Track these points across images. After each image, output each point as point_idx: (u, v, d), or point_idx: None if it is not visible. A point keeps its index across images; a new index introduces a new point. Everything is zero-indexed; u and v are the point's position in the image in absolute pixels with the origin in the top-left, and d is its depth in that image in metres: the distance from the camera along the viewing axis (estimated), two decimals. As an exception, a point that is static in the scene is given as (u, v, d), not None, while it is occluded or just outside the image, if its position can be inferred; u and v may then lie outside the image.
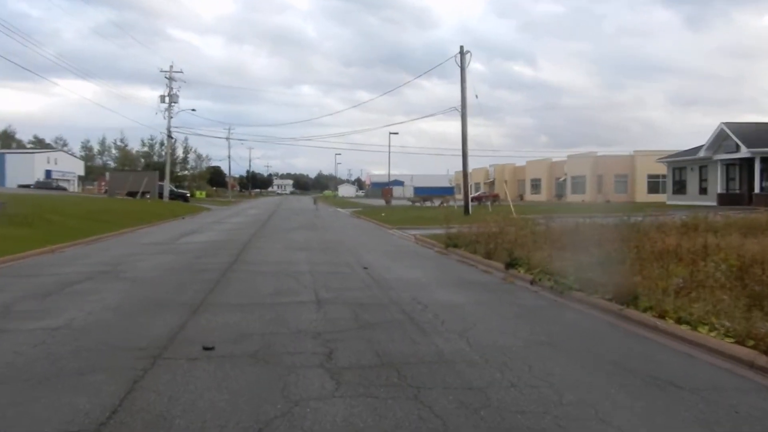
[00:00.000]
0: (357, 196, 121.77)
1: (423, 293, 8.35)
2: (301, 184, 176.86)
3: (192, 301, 7.67)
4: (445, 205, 43.99)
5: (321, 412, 3.99)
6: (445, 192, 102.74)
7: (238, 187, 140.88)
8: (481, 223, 14.32)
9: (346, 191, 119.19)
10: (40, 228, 17.46)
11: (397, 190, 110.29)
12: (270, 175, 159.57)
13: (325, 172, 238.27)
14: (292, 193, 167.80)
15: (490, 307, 7.41)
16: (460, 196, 63.16)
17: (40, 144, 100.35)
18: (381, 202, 57.36)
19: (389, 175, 64.20)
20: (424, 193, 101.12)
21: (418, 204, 47.51)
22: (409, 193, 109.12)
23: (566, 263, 9.35)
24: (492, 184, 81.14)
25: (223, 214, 36.89)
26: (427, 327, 6.25)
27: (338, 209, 49.85)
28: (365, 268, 11.02)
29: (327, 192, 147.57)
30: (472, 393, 4.34)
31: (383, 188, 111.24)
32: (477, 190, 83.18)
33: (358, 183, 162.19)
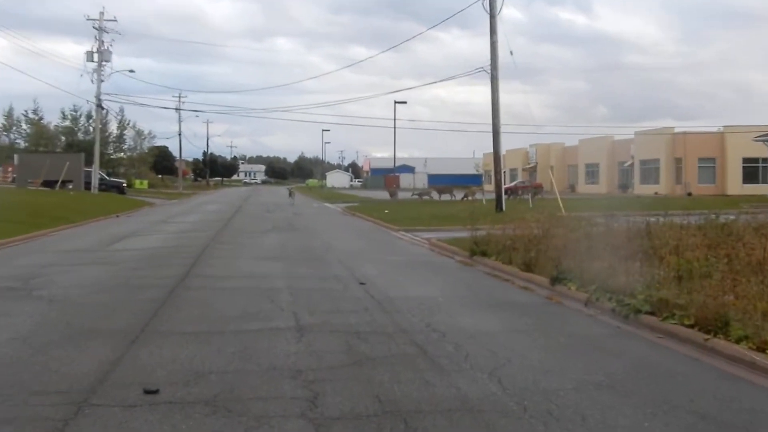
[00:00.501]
0: (352, 187, 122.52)
1: (440, 317, 8.38)
2: (277, 171, 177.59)
3: (129, 328, 7.71)
4: (470, 198, 44.14)
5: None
6: (470, 181, 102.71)
7: (191, 175, 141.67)
8: (519, 222, 14.33)
9: (337, 180, 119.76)
10: None
11: (405, 179, 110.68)
12: (235, 158, 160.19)
13: (309, 155, 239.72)
14: (264, 182, 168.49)
15: (530, 337, 7.43)
16: (490, 187, 63.28)
17: None
18: (384, 194, 57.43)
19: (395, 158, 64.07)
20: (442, 182, 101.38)
21: (427, 198, 47.63)
22: (422, 182, 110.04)
23: (633, 278, 9.35)
24: (533, 170, 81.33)
25: (173, 211, 37.07)
26: (445, 363, 6.26)
27: (326, 204, 50.06)
28: (362, 283, 11.06)
29: (311, 181, 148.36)
30: (507, 455, 4.38)
31: (387, 176, 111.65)
32: (513, 178, 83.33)
33: (354, 169, 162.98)
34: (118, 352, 6.62)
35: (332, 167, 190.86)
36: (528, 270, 11.96)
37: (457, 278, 12.00)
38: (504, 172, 41.34)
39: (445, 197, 48.23)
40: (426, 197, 47.97)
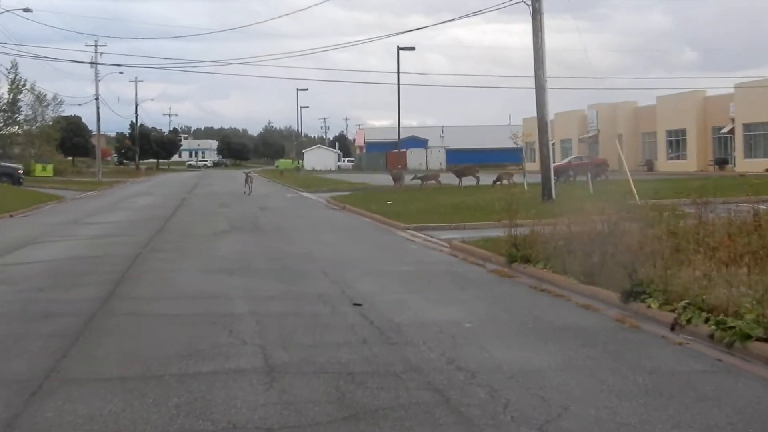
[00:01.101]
0: (340, 169, 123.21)
1: (468, 351, 8.40)
2: (235, 149, 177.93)
3: (29, 373, 7.70)
4: (505, 182, 44.19)
5: None
6: (506, 158, 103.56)
7: (115, 156, 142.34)
8: (576, 215, 14.31)
9: (318, 159, 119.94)
10: None
11: (415, 156, 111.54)
12: (176, 132, 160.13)
13: (279, 126, 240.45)
14: (217, 164, 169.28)
15: (596, 376, 7.41)
16: (534, 166, 63.18)
17: None
18: (385, 178, 57.47)
19: (399, 128, 63.62)
20: (465, 161, 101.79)
21: (433, 183, 47.71)
22: (438, 160, 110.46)
23: (738, 290, 9.32)
24: (594, 141, 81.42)
25: (89, 208, 37.18)
26: (476, 415, 6.25)
27: (304, 194, 50.32)
28: (357, 304, 11.10)
29: (283, 162, 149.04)
30: None
31: (389, 153, 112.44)
32: (566, 154, 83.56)
33: (342, 145, 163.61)
34: (12, 409, 6.58)
35: (312, 142, 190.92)
36: (589, 281, 11.96)
37: (491, 295, 11.99)
38: (552, 144, 41.11)
39: (468, 181, 48.35)
40: (431, 182, 47.94)
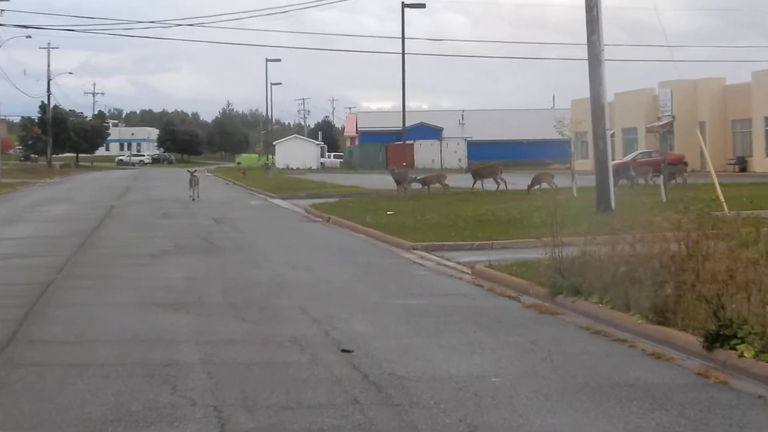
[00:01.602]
0: (323, 166, 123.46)
1: (496, 415, 8.41)
2: (182, 140, 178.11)
3: None
4: (544, 186, 44.17)
5: None
6: (548, 153, 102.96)
7: (20, 148, 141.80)
8: (643, 231, 14.28)
9: (294, 154, 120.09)
10: None
11: (425, 150, 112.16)
12: (102, 116, 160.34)
13: (242, 109, 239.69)
14: (157, 160, 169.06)
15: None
16: (586, 164, 62.89)
17: None
18: (384, 179, 57.43)
19: (404, 111, 63.39)
20: (493, 156, 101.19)
21: (438, 187, 47.70)
22: (457, 154, 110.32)
23: None
24: (667, 131, 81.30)
25: (-16, 218, 36.96)
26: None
27: (276, 200, 50.41)
28: (347, 350, 11.11)
29: (247, 157, 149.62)
30: None
31: (389, 146, 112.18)
32: (629, 148, 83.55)
33: (326, 134, 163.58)
34: None
35: (286, 131, 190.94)
36: (661, 320, 11.95)
37: (528, 339, 11.96)
38: (612, 135, 40.77)
39: (488, 184, 48.38)
40: (436, 186, 47.92)
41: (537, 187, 44.41)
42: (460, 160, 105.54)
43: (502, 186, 47.51)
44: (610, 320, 12.82)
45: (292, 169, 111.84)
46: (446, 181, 48.53)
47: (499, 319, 13.53)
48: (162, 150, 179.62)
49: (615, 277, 13.67)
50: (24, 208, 43.65)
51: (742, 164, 74.88)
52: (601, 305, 13.44)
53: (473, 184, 49.14)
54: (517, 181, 48.58)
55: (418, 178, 49.86)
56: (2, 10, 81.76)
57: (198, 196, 48.37)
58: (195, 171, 52.98)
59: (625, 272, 13.51)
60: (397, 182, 47.45)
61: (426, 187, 47.87)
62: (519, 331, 12.57)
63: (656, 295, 12.35)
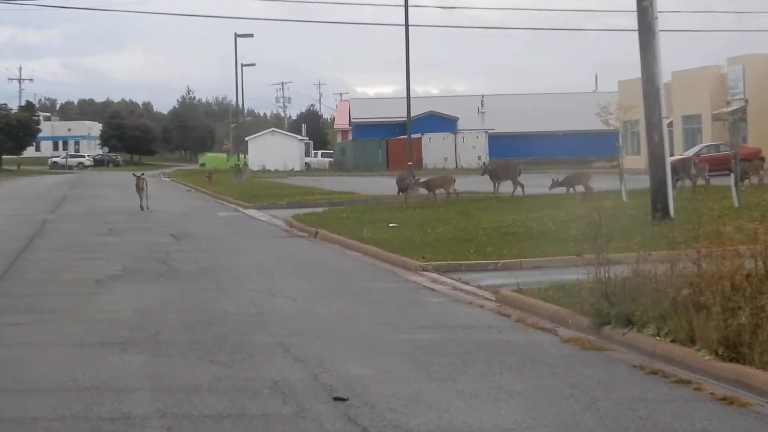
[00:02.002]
0: (310, 168, 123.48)
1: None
2: (131, 137, 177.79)
3: None
4: (579, 189, 44.15)
5: None
6: (590, 148, 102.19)
7: None
8: (709, 245, 14.27)
9: (273, 153, 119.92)
10: None
11: (436, 146, 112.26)
12: (30, 107, 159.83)
13: (206, 98, 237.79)
14: (101, 162, 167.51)
15: None
16: (637, 161, 62.45)
17: None
18: (384, 183, 57.29)
19: (409, 99, 63.23)
20: (521, 153, 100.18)
21: (442, 193, 47.57)
22: (476, 149, 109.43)
23: None
24: (739, 117, 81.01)
25: None
26: None
27: (249, 211, 50.30)
28: (340, 398, 11.16)
29: (211, 157, 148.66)
30: None
31: (391, 141, 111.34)
32: (691, 140, 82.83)
33: (311, 127, 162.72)
34: None
35: (262, 123, 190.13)
36: (734, 356, 11.94)
37: (568, 382, 11.96)
38: (669, 124, 40.33)
39: (504, 188, 48.38)
40: (440, 192, 47.80)
41: (571, 189, 44.38)
42: (479, 157, 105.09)
43: (518, 191, 47.26)
44: (669, 356, 12.80)
45: (269, 171, 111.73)
46: (454, 186, 48.00)
47: (531, 357, 13.52)
48: (106, 149, 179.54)
49: (676, 303, 13.63)
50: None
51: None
52: (658, 338, 13.41)
53: (495, 189, 49.00)
54: (540, 183, 48.26)
55: (422, 180, 49.49)
56: None
57: (147, 206, 48.62)
58: (142, 174, 52.99)
59: (689, 296, 13.46)
60: (400, 187, 47.10)
61: (431, 192, 47.65)
62: (556, 372, 12.56)
63: (727, 325, 12.30)
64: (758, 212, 16.27)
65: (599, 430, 9.90)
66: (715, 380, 11.66)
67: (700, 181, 45.79)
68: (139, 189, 49.56)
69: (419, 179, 50.30)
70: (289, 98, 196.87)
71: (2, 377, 12.77)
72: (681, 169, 44.40)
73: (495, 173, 50.57)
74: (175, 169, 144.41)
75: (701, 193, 40.92)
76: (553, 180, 46.50)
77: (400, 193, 46.45)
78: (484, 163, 67.82)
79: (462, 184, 51.39)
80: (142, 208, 48.16)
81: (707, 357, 12.24)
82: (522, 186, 47.67)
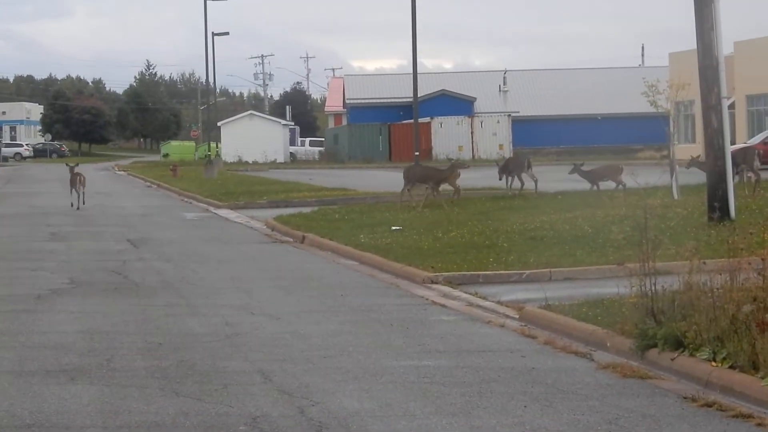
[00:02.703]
0: (296, 159, 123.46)
1: None
2: (79, 121, 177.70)
3: None
4: (619, 186, 44.21)
5: None
6: (637, 134, 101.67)
7: None
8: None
9: (252, 140, 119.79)
10: None
11: (449, 131, 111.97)
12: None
13: (170, 75, 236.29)
14: (42, 152, 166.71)
15: None
16: (692, 149, 62.37)
17: None
18: (388, 177, 57.26)
19: (416, 75, 63.09)
20: (542, 141, 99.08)
21: (433, 195, 47.34)
22: (497, 136, 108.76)
23: None
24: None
25: None
26: None
27: (222, 211, 50.33)
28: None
29: (175, 146, 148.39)
30: None
31: (394, 125, 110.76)
32: (761, 125, 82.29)
33: (300, 110, 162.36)
34: None
35: (238, 106, 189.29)
36: (806, 386, 11.91)
37: (605, 417, 12.00)
38: (731, 104, 40.00)
39: (514, 185, 48.36)
40: (440, 191, 47.66)
41: (594, 187, 44.33)
42: (501, 146, 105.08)
43: (530, 185, 47.11)
44: (727, 386, 12.79)
45: (246, 163, 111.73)
46: (458, 182, 47.59)
47: (562, 387, 13.56)
48: (49, 137, 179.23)
49: (736, 322, 13.64)
50: None
51: None
52: (714, 364, 13.41)
53: (509, 184, 48.49)
54: (569, 181, 48.16)
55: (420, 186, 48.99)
56: None
57: (83, 203, 49.10)
58: (76, 166, 53.14)
59: (751, 314, 13.50)
60: (408, 180, 46.81)
61: (433, 192, 47.27)
62: (591, 405, 12.60)
63: None
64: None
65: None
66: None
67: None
68: (75, 183, 49.73)
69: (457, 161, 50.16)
70: (270, 75, 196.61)
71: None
72: (742, 160, 44.36)
73: (506, 167, 50.19)
74: (132, 160, 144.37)
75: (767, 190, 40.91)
76: (575, 165, 46.35)
77: (406, 187, 46.31)
78: (520, 149, 67.54)
79: (480, 179, 51.45)
80: (72, 206, 48.89)
81: (774, 386, 12.26)
82: (532, 178, 47.46)
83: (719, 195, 29.59)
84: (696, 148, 44.62)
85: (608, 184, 44.83)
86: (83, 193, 49.97)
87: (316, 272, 26.85)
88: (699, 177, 32.62)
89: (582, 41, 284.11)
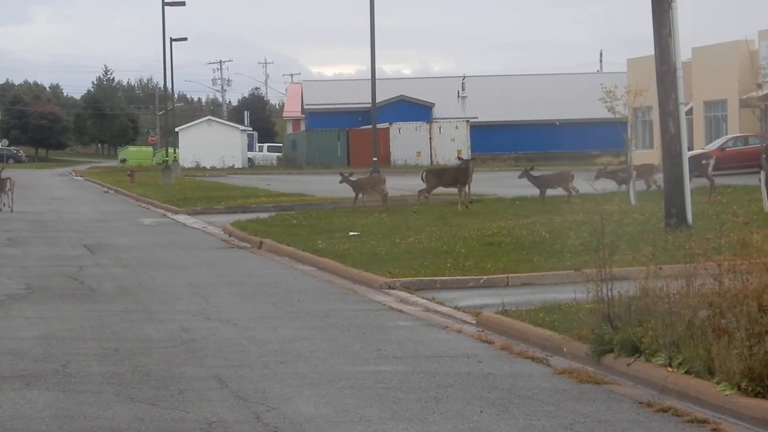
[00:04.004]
0: (254, 164, 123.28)
1: None
2: (35, 127, 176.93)
3: None
4: (572, 193, 44.26)
5: None
6: (595, 141, 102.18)
7: None
8: (731, 256, 14.32)
9: (210, 146, 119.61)
10: None
11: (408, 136, 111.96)
12: None
13: (128, 80, 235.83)
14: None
15: None
16: (650, 155, 62.62)
17: None
18: (335, 181, 57.30)
19: (374, 80, 63.07)
20: (500, 147, 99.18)
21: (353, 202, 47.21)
22: (455, 142, 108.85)
23: None
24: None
25: None
26: None
27: (179, 216, 50.27)
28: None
29: (133, 151, 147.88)
30: None
31: (353, 132, 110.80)
32: (716, 132, 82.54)
33: (258, 116, 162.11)
34: None
35: (196, 111, 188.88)
36: (760, 391, 12.00)
37: (562, 422, 12.03)
38: (688, 111, 40.25)
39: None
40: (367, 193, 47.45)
41: (541, 194, 44.35)
42: (460, 152, 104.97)
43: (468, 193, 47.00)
44: (683, 391, 12.84)
45: (204, 168, 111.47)
46: (384, 188, 47.12)
47: (518, 392, 13.57)
48: (5, 142, 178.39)
49: (692, 327, 13.68)
50: None
51: None
52: (670, 369, 13.46)
53: (460, 193, 48.20)
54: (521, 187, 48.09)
55: (352, 179, 48.56)
56: None
57: (11, 208, 49.47)
58: (3, 170, 53.23)
59: (707, 319, 13.53)
60: (355, 188, 46.74)
61: (357, 195, 46.91)
62: (548, 410, 12.62)
63: (753, 353, 12.34)
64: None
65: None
66: (737, 419, 11.75)
67: (740, 180, 45.77)
68: (3, 188, 49.92)
69: (350, 175, 49.71)
70: (228, 80, 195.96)
71: None
72: (694, 167, 44.44)
73: (440, 178, 49.36)
74: (90, 166, 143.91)
75: (726, 195, 41.02)
76: (525, 169, 46.49)
77: (356, 193, 46.23)
78: (479, 155, 67.40)
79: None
80: (1, 210, 49.39)
81: (728, 392, 12.28)
82: (461, 191, 47.10)
83: (676, 201, 29.69)
84: (654, 154, 44.70)
85: (559, 191, 45.01)
86: (12, 198, 50.38)
87: (274, 278, 26.86)
88: (653, 183, 32.61)
89: (541, 47, 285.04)
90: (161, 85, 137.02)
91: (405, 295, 22.60)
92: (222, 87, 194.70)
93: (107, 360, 16.06)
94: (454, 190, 46.55)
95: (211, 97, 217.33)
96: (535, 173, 46.40)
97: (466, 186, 45.35)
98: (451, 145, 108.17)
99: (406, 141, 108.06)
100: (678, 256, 16.43)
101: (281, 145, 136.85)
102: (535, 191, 45.21)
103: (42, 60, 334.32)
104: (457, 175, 46.03)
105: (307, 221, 40.10)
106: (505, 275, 23.68)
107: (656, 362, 13.80)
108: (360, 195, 46.88)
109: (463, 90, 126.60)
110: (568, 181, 44.86)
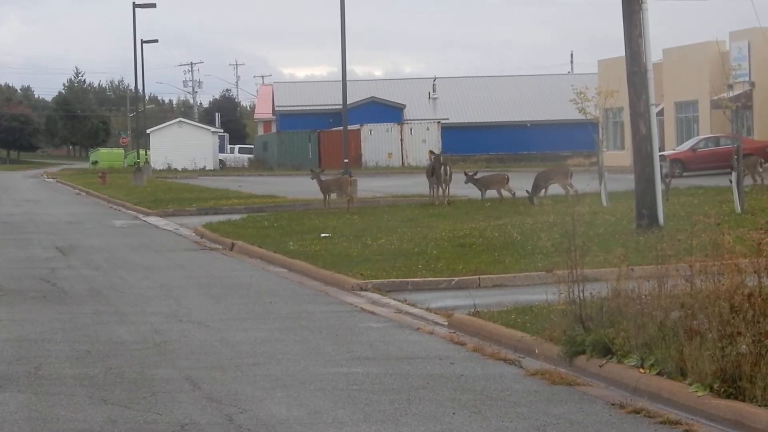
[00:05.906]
0: (225, 166, 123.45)
1: None
2: (6, 131, 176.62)
3: None
4: (496, 194, 44.29)
5: None
6: (565, 142, 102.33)
7: None
8: (702, 257, 14.32)
9: (181, 148, 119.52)
10: None
11: (379, 138, 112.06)
12: None
13: (99, 82, 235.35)
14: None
15: None
16: (621, 157, 62.58)
17: None
18: (306, 182, 57.32)
19: (345, 82, 63.09)
20: (472, 148, 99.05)
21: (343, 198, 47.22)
22: (427, 143, 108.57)
23: None
24: (742, 103, 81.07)
25: None
26: None
27: (151, 218, 50.37)
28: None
29: (104, 153, 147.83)
30: None
31: (323, 133, 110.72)
32: (687, 133, 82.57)
33: (229, 118, 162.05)
34: None
35: (167, 113, 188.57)
36: (732, 391, 12.01)
37: (534, 423, 12.04)
38: (659, 111, 40.26)
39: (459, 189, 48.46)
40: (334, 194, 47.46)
41: (543, 193, 44.32)
42: (431, 152, 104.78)
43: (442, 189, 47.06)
44: (655, 392, 12.86)
45: (176, 170, 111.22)
46: (351, 189, 46.94)
47: (490, 394, 13.56)
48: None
49: (663, 329, 13.69)
50: None
51: None
52: (642, 370, 13.47)
53: (433, 192, 48.05)
54: (518, 185, 48.25)
55: (322, 178, 48.28)
56: None
57: None
58: None
59: (679, 320, 13.53)
60: (324, 189, 46.72)
61: (325, 195, 46.74)
62: (520, 411, 12.62)
63: (725, 355, 12.35)
64: (764, 219, 16.34)
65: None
66: (709, 420, 11.76)
67: (714, 180, 45.86)
68: None
69: (321, 172, 49.66)
70: (199, 82, 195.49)
71: None
72: (671, 166, 44.56)
73: (432, 172, 49.18)
74: (61, 167, 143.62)
75: (697, 195, 41.06)
76: (467, 175, 46.72)
77: (324, 195, 46.23)
78: (446, 157, 67.14)
79: (409, 186, 51.42)
80: None
81: (700, 393, 12.29)
82: (435, 187, 47.05)
83: (648, 202, 29.72)
84: (625, 155, 44.79)
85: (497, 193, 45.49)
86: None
87: (245, 279, 26.81)
88: (629, 183, 32.62)
89: (512, 48, 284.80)
90: (132, 86, 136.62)
91: (377, 296, 22.59)
92: (193, 89, 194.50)
93: (79, 362, 16.03)
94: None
95: (182, 98, 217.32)
96: (477, 176, 46.89)
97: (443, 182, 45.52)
98: (422, 146, 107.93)
99: (377, 142, 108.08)
100: (650, 257, 16.43)
101: (252, 146, 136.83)
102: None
103: (13, 62, 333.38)
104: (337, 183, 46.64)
105: (279, 223, 40.11)
106: (477, 276, 23.69)
107: (628, 363, 13.80)
108: (327, 196, 46.76)
109: (434, 91, 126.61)
110: (503, 183, 45.19)
